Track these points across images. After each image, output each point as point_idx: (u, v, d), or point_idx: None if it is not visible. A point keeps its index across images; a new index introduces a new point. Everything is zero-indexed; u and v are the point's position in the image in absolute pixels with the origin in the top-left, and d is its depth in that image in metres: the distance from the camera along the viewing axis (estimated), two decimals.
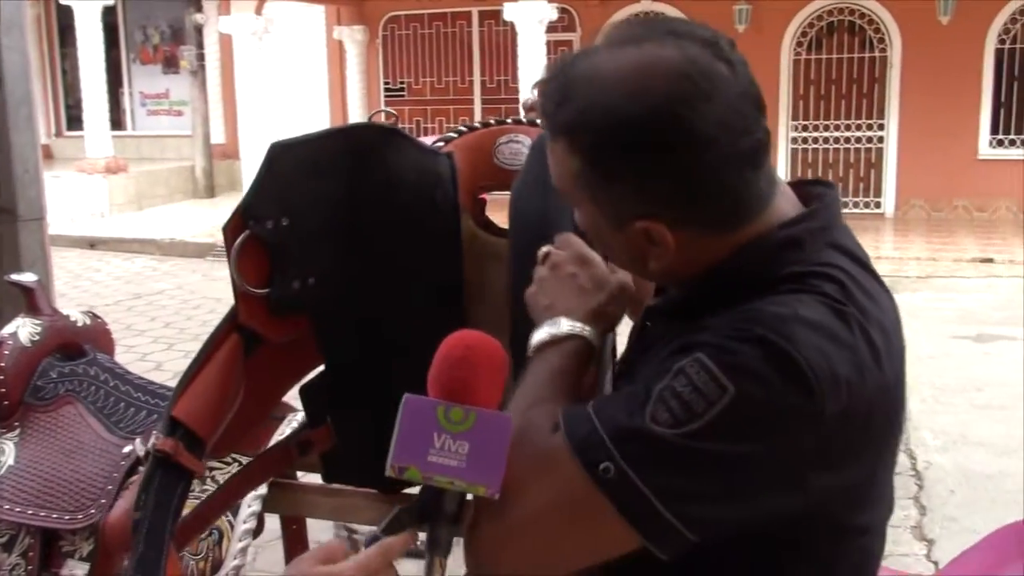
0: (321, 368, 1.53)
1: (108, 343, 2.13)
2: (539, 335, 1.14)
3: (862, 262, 1.08)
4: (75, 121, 15.12)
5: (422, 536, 1.02)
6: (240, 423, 1.47)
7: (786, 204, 1.07)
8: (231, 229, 1.40)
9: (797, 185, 1.13)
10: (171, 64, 15.39)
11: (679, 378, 0.94)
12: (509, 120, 1.56)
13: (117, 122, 14.57)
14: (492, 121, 1.57)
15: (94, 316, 2.14)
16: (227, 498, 1.66)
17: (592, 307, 1.16)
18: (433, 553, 1.00)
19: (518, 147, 1.48)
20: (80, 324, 2.09)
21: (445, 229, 1.45)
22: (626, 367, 1.19)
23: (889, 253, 10.21)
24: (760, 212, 1.03)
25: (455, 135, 1.55)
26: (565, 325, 1.13)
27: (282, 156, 1.37)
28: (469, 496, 1.00)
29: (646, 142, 0.96)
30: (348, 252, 1.42)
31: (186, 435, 1.37)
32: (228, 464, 1.84)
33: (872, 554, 1.12)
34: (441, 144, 1.53)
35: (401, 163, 1.42)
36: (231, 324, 1.44)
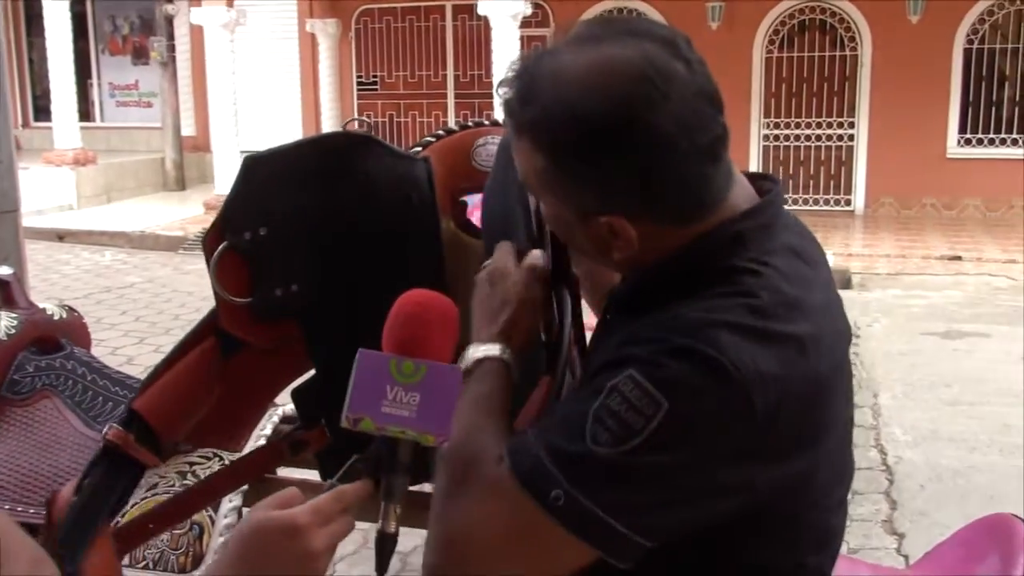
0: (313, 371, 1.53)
1: (84, 337, 2.11)
2: (461, 363, 1.15)
3: (801, 254, 1.11)
4: (43, 112, 14.95)
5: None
6: (228, 420, 1.48)
7: (742, 196, 1.10)
8: (209, 241, 1.42)
9: (747, 178, 1.16)
10: (141, 55, 15.23)
11: (613, 396, 0.97)
12: (486, 121, 1.56)
13: (86, 113, 14.41)
14: (470, 123, 1.57)
15: (70, 310, 2.13)
16: (212, 493, 1.65)
17: (497, 328, 1.15)
18: (388, 501, 1.04)
19: (495, 149, 1.47)
20: (57, 318, 2.07)
21: (424, 232, 1.46)
22: (589, 356, 1.22)
23: (859, 251, 10.30)
24: (719, 204, 1.07)
25: (433, 139, 1.55)
26: (474, 352, 1.13)
27: (257, 168, 1.39)
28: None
29: (607, 142, 1.00)
30: (329, 259, 1.43)
31: (142, 429, 1.39)
32: (209, 459, 1.83)
33: (833, 529, 1.17)
34: (419, 149, 1.54)
35: (376, 169, 1.43)
36: (208, 328, 1.45)
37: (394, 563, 1.05)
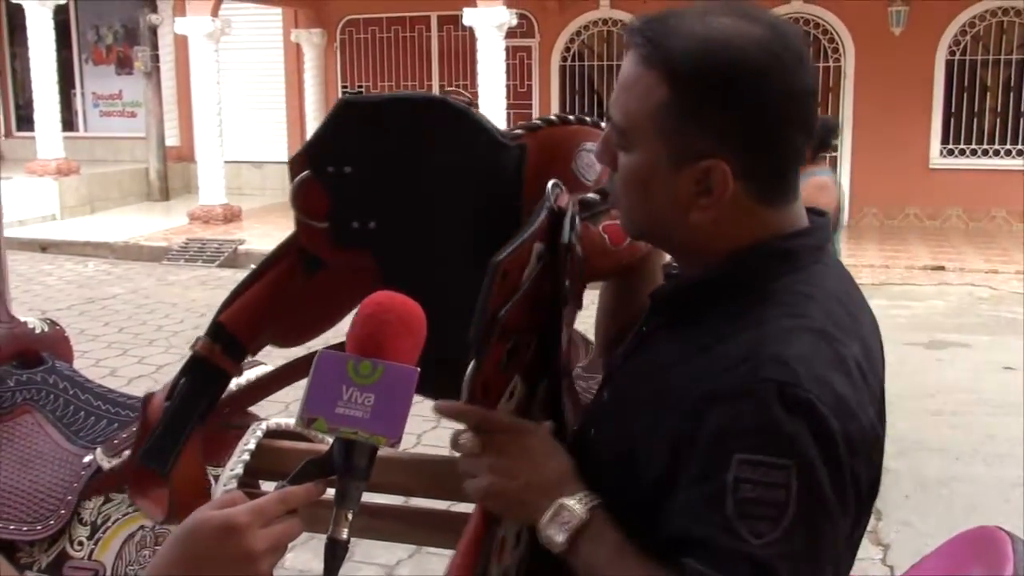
0: None
1: (67, 351, 2.09)
2: (556, 533, 1.06)
3: (847, 279, 1.15)
4: (25, 122, 14.88)
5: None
6: (300, 328, 1.56)
7: (800, 213, 1.13)
8: (295, 164, 1.46)
9: None
10: (124, 65, 15.19)
11: (742, 488, 0.96)
12: (588, 119, 1.49)
13: (69, 123, 14.34)
14: (572, 118, 1.51)
15: (52, 323, 2.10)
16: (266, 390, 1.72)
17: (567, 469, 1.10)
18: (340, 506, 1.00)
19: (591, 159, 1.42)
20: (38, 331, 2.04)
21: (500, 219, 1.41)
22: (623, 362, 1.20)
23: (843, 261, 10.22)
24: (789, 203, 1.10)
25: (540, 124, 1.48)
26: (577, 506, 1.07)
27: (351, 111, 1.43)
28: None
29: (742, 84, 1.02)
30: (408, 207, 1.44)
31: (227, 340, 1.45)
32: None
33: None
34: (520, 132, 1.47)
35: (466, 143, 1.41)
36: (291, 246, 1.48)
37: None
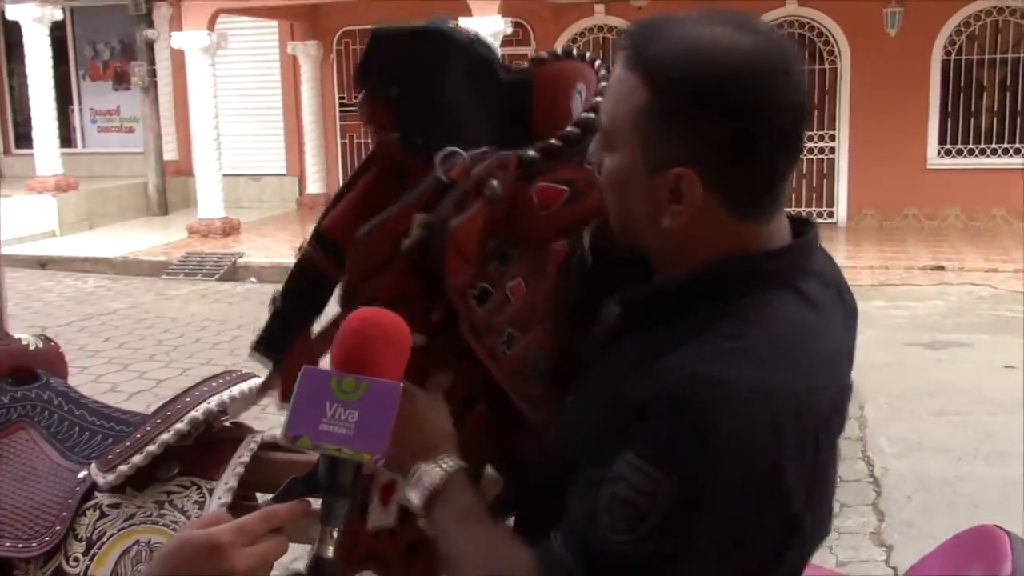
0: None
1: (62, 367, 2.08)
2: (414, 495, 1.13)
3: (816, 303, 1.11)
4: (23, 139, 14.88)
5: None
6: None
7: (783, 230, 1.12)
8: (355, 85, 1.52)
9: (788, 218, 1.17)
10: (122, 80, 15.22)
11: (618, 484, 1.00)
12: (587, 57, 1.48)
13: (67, 139, 14.36)
14: (574, 52, 1.52)
15: (47, 339, 2.10)
16: None
17: (441, 434, 1.17)
18: (324, 524, 1.01)
19: (579, 102, 1.42)
20: (32, 348, 2.04)
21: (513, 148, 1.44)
22: (594, 362, 1.20)
23: (843, 262, 10.25)
24: (769, 220, 1.09)
25: (547, 57, 1.52)
26: (436, 471, 1.14)
27: (378, 43, 1.48)
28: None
29: (718, 93, 1.02)
30: (446, 134, 1.45)
31: (329, 245, 1.49)
32: (187, 488, 1.81)
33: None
34: (527, 67, 1.52)
35: (478, 74, 1.47)
36: (373, 156, 1.54)
37: None
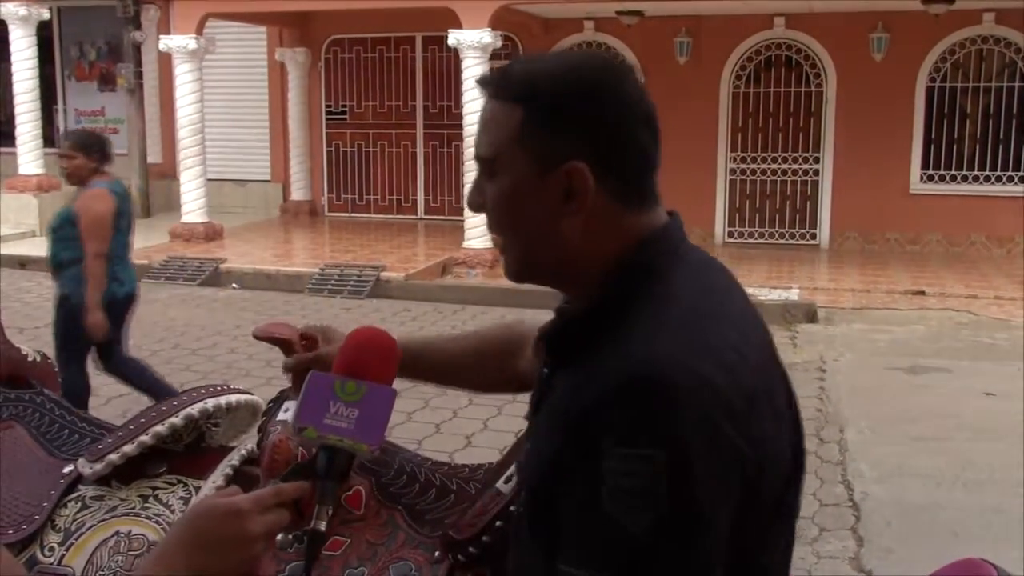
0: None
1: (53, 383, 2.15)
2: None
3: (710, 266, 1.22)
4: (6, 137, 14.76)
5: None
6: None
7: (659, 216, 1.21)
8: None
9: None
10: (107, 81, 15.14)
11: (612, 478, 1.03)
12: None
13: (50, 139, 14.25)
14: None
15: (44, 356, 2.17)
16: None
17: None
18: (320, 503, 1.19)
19: None
20: (30, 359, 2.12)
21: None
22: (535, 410, 1.27)
23: (824, 284, 10.39)
24: (650, 208, 1.19)
25: None
26: None
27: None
28: None
29: (580, 93, 1.16)
30: None
31: None
32: (172, 485, 1.82)
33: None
34: None
35: None
36: None
37: None
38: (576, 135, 1.14)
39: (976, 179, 12.30)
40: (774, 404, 1.13)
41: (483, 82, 1.21)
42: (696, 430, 1.02)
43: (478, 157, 1.21)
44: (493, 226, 1.22)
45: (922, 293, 9.89)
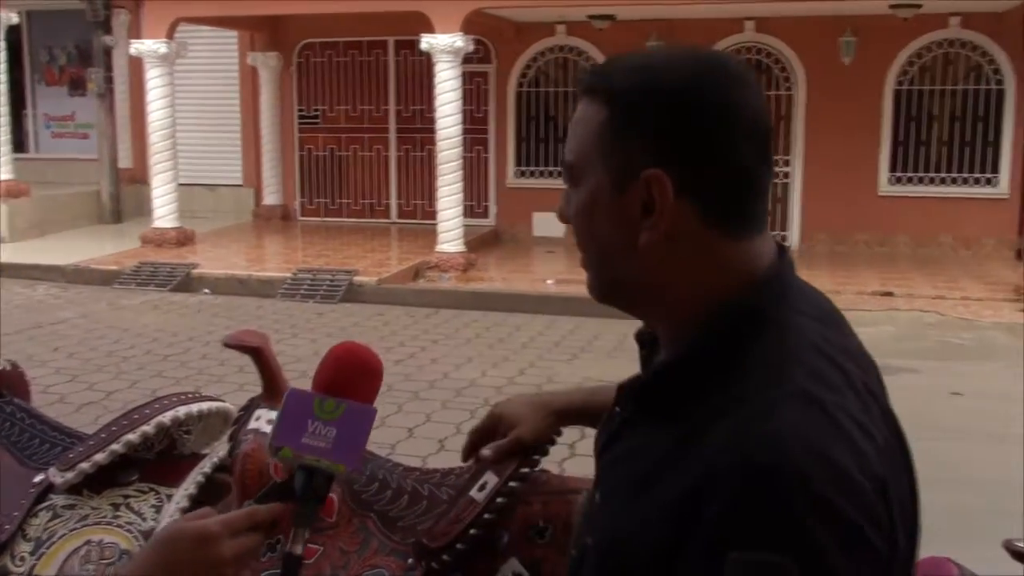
0: None
1: (24, 391, 2.11)
2: None
3: (823, 315, 1.07)
4: None
5: None
6: None
7: (766, 248, 1.06)
8: None
9: None
10: (77, 86, 15.02)
11: None
12: None
13: (20, 144, 14.16)
14: None
15: (14, 365, 2.13)
16: None
17: None
18: (298, 526, 1.13)
19: None
20: (0, 368, 2.07)
21: None
22: (604, 454, 1.13)
23: None
24: (752, 236, 1.04)
25: None
26: None
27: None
28: None
29: (676, 92, 1.02)
30: None
31: None
32: (144, 493, 1.82)
33: None
34: None
35: None
36: None
37: None
38: (659, 141, 1.01)
39: (943, 181, 12.45)
40: (900, 486, 0.97)
41: (579, 77, 1.11)
42: (833, 534, 0.87)
43: (563, 162, 1.10)
44: (576, 239, 1.10)
45: (890, 294, 9.99)
